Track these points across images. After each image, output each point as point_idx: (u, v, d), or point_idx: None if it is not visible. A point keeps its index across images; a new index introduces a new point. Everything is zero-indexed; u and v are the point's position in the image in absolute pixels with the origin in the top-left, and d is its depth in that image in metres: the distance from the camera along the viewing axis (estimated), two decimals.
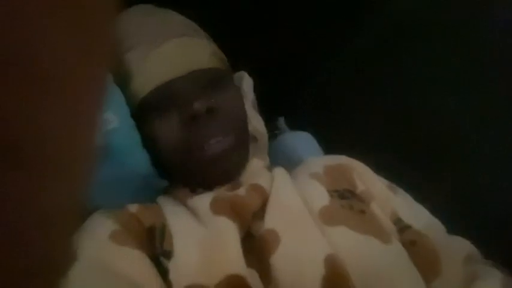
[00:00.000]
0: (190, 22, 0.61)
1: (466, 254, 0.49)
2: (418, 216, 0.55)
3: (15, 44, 0.11)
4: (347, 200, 0.51)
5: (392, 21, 0.79)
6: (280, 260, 0.44)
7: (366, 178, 0.57)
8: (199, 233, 0.46)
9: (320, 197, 0.51)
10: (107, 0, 0.15)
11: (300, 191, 0.51)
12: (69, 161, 0.15)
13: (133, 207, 0.50)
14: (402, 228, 0.53)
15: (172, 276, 0.43)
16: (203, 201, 0.50)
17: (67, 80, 0.14)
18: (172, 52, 0.53)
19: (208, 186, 0.53)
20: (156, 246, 0.46)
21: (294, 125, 0.84)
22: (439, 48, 0.73)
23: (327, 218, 0.48)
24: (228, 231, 0.45)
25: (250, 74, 0.67)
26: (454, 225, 0.54)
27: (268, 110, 0.70)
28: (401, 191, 0.58)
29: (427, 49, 0.74)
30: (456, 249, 0.51)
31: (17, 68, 0.12)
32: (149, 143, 0.53)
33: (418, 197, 0.58)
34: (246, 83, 0.65)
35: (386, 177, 0.59)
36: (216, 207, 0.48)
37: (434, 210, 0.56)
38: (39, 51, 0.12)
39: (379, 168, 0.60)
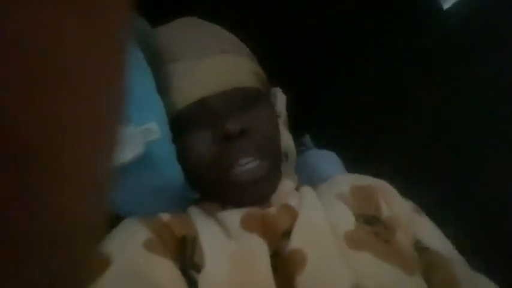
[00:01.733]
0: (233, 38, 0.61)
1: None
2: (439, 241, 0.54)
3: (18, 32, 0.11)
4: (372, 227, 0.51)
5: (420, 40, 0.80)
6: (306, 281, 0.44)
7: (392, 201, 0.56)
8: (230, 248, 0.46)
9: (346, 220, 0.51)
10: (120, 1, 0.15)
11: (326, 212, 0.51)
12: (88, 165, 0.14)
13: (165, 217, 0.51)
14: (419, 249, 0.52)
15: None
16: (234, 216, 0.50)
17: (79, 75, 0.13)
18: (212, 69, 0.54)
19: (237, 206, 0.53)
20: (186, 258, 0.46)
21: (320, 143, 0.85)
22: (469, 69, 0.73)
23: (352, 242, 0.48)
24: (259, 250, 0.45)
25: (284, 89, 0.68)
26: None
27: (295, 126, 0.71)
28: (425, 216, 0.57)
29: (457, 69, 0.75)
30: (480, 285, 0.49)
31: (25, 60, 0.11)
32: (181, 156, 0.53)
33: (446, 217, 0.57)
34: (280, 99, 0.66)
35: (412, 199, 0.58)
36: (247, 224, 0.48)
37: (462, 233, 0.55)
38: (46, 42, 0.11)
39: (406, 190, 0.59)
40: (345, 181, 0.59)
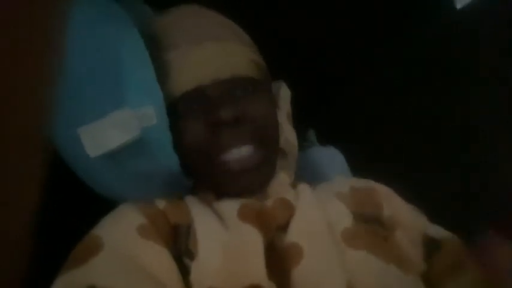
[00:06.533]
0: (233, 26, 0.60)
1: None
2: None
3: None
4: (371, 225, 0.51)
5: (430, 39, 0.79)
6: (301, 275, 0.44)
7: (392, 203, 0.56)
8: (225, 238, 0.46)
9: (344, 218, 0.50)
10: None
11: (324, 210, 0.51)
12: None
13: (161, 203, 0.51)
14: (431, 241, 0.52)
15: (194, 277, 0.43)
16: (231, 206, 0.50)
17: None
18: (208, 57, 0.53)
19: (229, 195, 0.53)
20: (179, 245, 0.46)
21: (325, 139, 0.84)
22: (478, 70, 0.73)
23: (349, 240, 0.48)
24: (254, 240, 0.45)
25: (289, 83, 0.67)
26: None
27: (300, 121, 0.70)
28: (425, 218, 0.56)
29: (466, 69, 0.74)
30: None
31: None
32: (177, 143, 0.53)
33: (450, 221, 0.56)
34: (284, 93, 0.65)
35: (415, 201, 0.58)
36: (244, 215, 0.48)
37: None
38: None
39: (409, 191, 0.58)
40: (345, 182, 0.59)
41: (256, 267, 0.43)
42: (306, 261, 0.45)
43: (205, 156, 0.52)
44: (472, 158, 0.70)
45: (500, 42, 0.68)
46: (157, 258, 0.44)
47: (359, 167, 0.75)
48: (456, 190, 0.69)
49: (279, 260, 0.45)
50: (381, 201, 0.55)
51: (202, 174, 0.55)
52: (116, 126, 0.46)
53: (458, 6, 0.72)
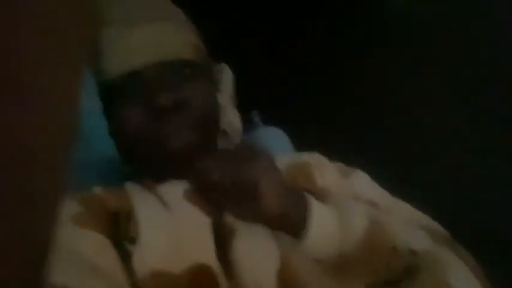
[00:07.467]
0: (172, 7, 0.59)
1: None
2: (373, 193, 0.56)
3: None
4: None
5: (389, 23, 0.81)
6: (240, 249, 0.45)
7: (323, 172, 0.57)
8: (167, 220, 0.46)
9: None
10: None
11: None
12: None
13: (98, 190, 0.50)
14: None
15: (136, 261, 0.43)
16: (175, 189, 0.49)
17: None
18: (145, 38, 0.51)
19: (170, 179, 0.52)
20: (120, 231, 0.46)
21: (270, 120, 0.84)
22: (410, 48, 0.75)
23: None
24: (200, 221, 0.46)
25: (231, 66, 0.66)
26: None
27: (244, 103, 0.70)
28: (356, 173, 0.58)
29: (399, 47, 0.76)
30: None
31: None
32: (113, 130, 0.51)
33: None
34: (226, 76, 0.64)
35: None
36: (189, 196, 0.48)
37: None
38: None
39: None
40: (282, 161, 0.58)
41: (202, 246, 0.44)
42: (242, 237, 0.46)
43: (143, 141, 0.51)
44: (411, 147, 0.72)
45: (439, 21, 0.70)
46: (94, 246, 0.43)
47: (304, 145, 0.75)
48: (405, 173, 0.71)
49: (223, 238, 0.46)
50: (313, 173, 0.56)
51: (141, 160, 0.54)
52: None
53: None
